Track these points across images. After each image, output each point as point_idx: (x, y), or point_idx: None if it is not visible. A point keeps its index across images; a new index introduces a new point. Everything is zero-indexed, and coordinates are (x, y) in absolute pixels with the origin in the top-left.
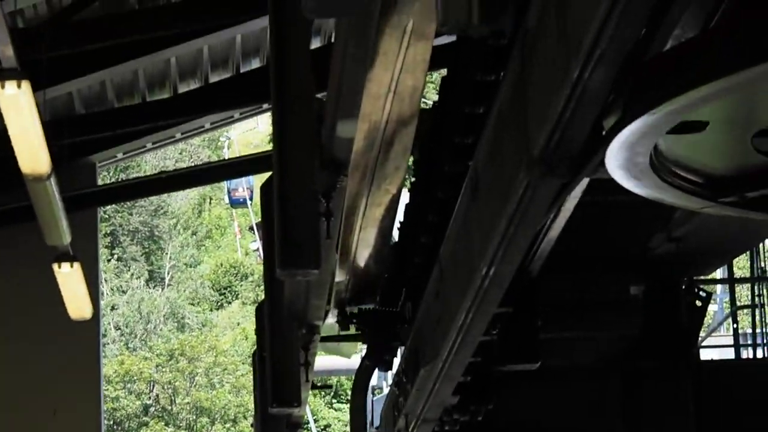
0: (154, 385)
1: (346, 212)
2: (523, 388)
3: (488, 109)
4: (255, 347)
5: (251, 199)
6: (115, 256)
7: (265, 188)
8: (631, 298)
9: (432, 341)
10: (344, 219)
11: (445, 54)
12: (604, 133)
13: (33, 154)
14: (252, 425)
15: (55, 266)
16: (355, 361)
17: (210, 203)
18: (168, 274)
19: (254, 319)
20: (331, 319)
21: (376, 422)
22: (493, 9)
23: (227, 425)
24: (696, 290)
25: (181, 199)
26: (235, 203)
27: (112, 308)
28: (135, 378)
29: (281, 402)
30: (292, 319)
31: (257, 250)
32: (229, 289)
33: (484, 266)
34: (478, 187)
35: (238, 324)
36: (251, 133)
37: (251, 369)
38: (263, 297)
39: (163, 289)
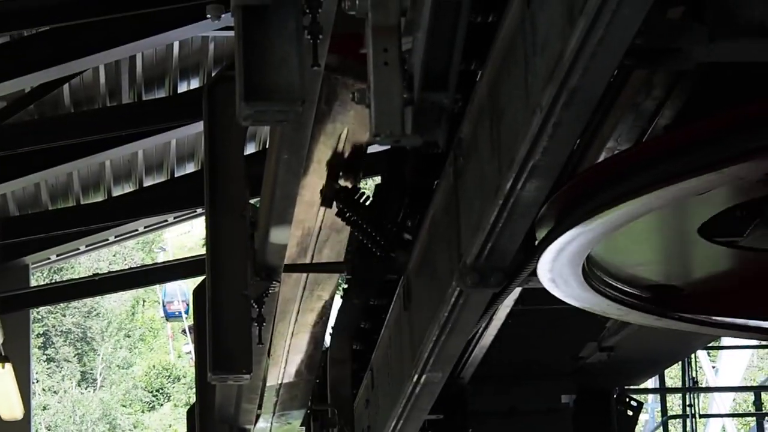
0: None
1: (278, 318)
2: None
3: (422, 217)
4: None
5: (186, 312)
6: (47, 357)
7: (198, 292)
8: (562, 407)
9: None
10: (276, 324)
11: (379, 161)
12: (536, 243)
13: None
14: None
15: None
16: None
17: (143, 305)
18: (100, 375)
19: (185, 421)
20: (263, 424)
21: None
22: (426, 121)
23: None
24: (627, 399)
25: (115, 301)
26: (171, 316)
27: (44, 408)
28: None
29: None
30: (223, 423)
31: (189, 352)
32: (161, 391)
33: (415, 373)
34: (411, 294)
35: (170, 426)
36: (185, 236)
37: None
38: (195, 400)
39: (95, 390)
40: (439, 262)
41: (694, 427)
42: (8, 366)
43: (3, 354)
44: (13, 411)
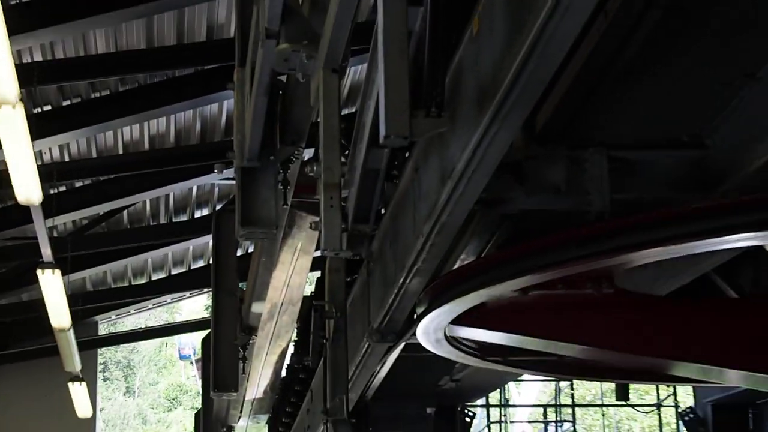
0: None
1: (254, 358)
2: None
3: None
4: None
5: (194, 354)
6: (104, 377)
7: (205, 341)
8: (427, 416)
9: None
10: (252, 361)
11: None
12: (416, 316)
13: (59, 317)
14: None
15: (70, 384)
16: None
17: (166, 346)
18: (138, 389)
19: (193, 420)
20: (242, 423)
21: None
22: (355, 242)
23: None
24: (466, 411)
25: (149, 343)
26: (183, 357)
27: (102, 410)
28: None
29: None
30: (217, 422)
31: (195, 376)
32: (176, 399)
33: (336, 396)
34: (338, 344)
35: (181, 421)
36: (195, 304)
37: None
38: (200, 407)
39: (134, 398)
40: (357, 325)
41: (507, 430)
42: (83, 384)
43: (80, 376)
44: (86, 412)
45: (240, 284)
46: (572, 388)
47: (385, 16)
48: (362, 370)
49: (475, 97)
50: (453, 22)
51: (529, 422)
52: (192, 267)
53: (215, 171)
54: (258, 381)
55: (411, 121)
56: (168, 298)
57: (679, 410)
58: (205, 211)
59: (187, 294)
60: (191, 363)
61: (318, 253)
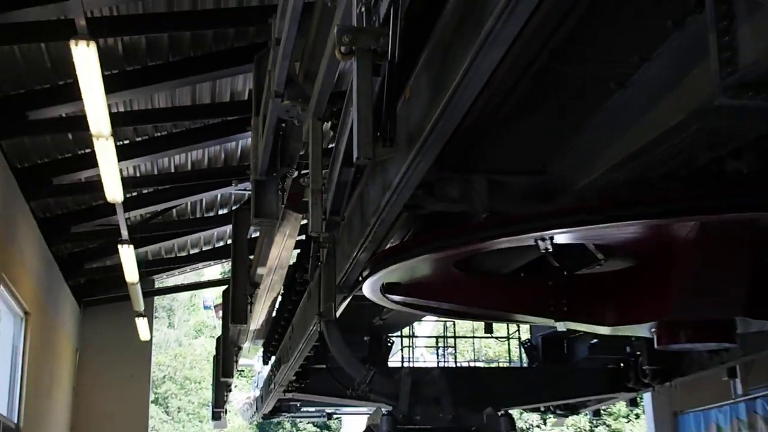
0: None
1: (257, 303)
2: None
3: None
4: (215, 353)
5: (213, 304)
6: (155, 316)
7: (225, 292)
8: (364, 342)
9: (289, 347)
10: (255, 305)
11: (299, 245)
12: (361, 278)
13: (131, 275)
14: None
15: (136, 318)
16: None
17: (195, 297)
18: (176, 324)
19: (214, 344)
20: (247, 344)
21: None
22: (331, 227)
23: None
24: (388, 340)
25: (184, 295)
26: (206, 308)
27: (153, 336)
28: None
29: (226, 372)
30: (231, 344)
31: (212, 317)
32: (200, 331)
33: (302, 341)
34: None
35: (203, 345)
36: (214, 270)
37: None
38: (218, 335)
39: (174, 330)
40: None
41: (413, 351)
42: (144, 319)
43: (143, 314)
44: (146, 336)
45: (249, 256)
46: (455, 325)
47: (358, 80)
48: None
49: (407, 140)
50: (400, 87)
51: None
52: (215, 246)
53: (233, 184)
54: (258, 317)
55: (374, 148)
56: (199, 265)
57: (521, 340)
58: (225, 211)
59: (212, 263)
60: (211, 309)
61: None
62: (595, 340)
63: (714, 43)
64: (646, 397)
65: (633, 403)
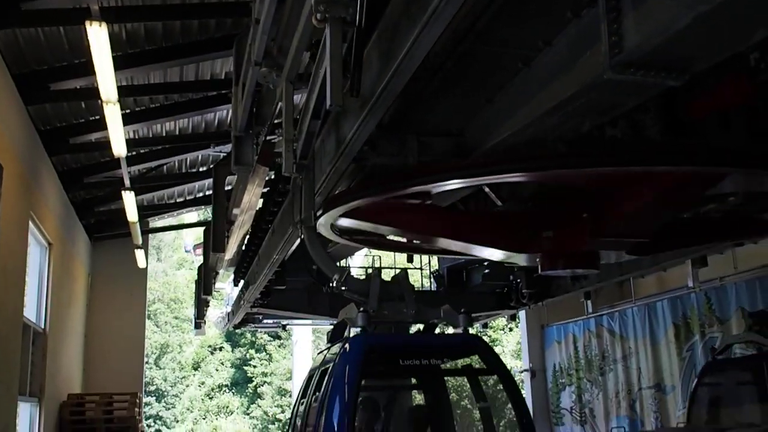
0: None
1: (231, 237)
2: None
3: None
4: (197, 279)
5: (192, 248)
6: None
7: (206, 230)
8: (313, 270)
9: (256, 272)
10: (230, 239)
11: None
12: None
13: (131, 216)
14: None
15: (135, 250)
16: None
17: (178, 237)
18: (163, 258)
19: (195, 274)
20: (222, 271)
21: None
22: (299, 169)
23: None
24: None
25: (169, 234)
26: (186, 251)
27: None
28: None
29: (206, 291)
30: (210, 270)
31: (190, 253)
32: (182, 265)
33: (274, 255)
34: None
35: (184, 276)
36: (194, 215)
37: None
38: (198, 266)
39: (161, 263)
40: (286, 218)
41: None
42: (141, 251)
43: (141, 246)
44: (143, 264)
45: (225, 201)
46: (380, 259)
47: (331, 42)
48: (284, 245)
49: (360, 101)
50: (364, 49)
51: (358, 276)
52: (197, 196)
53: (212, 147)
54: (232, 249)
55: (344, 97)
56: (184, 210)
57: (431, 270)
58: (204, 168)
59: (194, 209)
60: (191, 252)
61: (266, 189)
62: (487, 271)
63: (605, 30)
64: (522, 314)
65: (512, 318)
